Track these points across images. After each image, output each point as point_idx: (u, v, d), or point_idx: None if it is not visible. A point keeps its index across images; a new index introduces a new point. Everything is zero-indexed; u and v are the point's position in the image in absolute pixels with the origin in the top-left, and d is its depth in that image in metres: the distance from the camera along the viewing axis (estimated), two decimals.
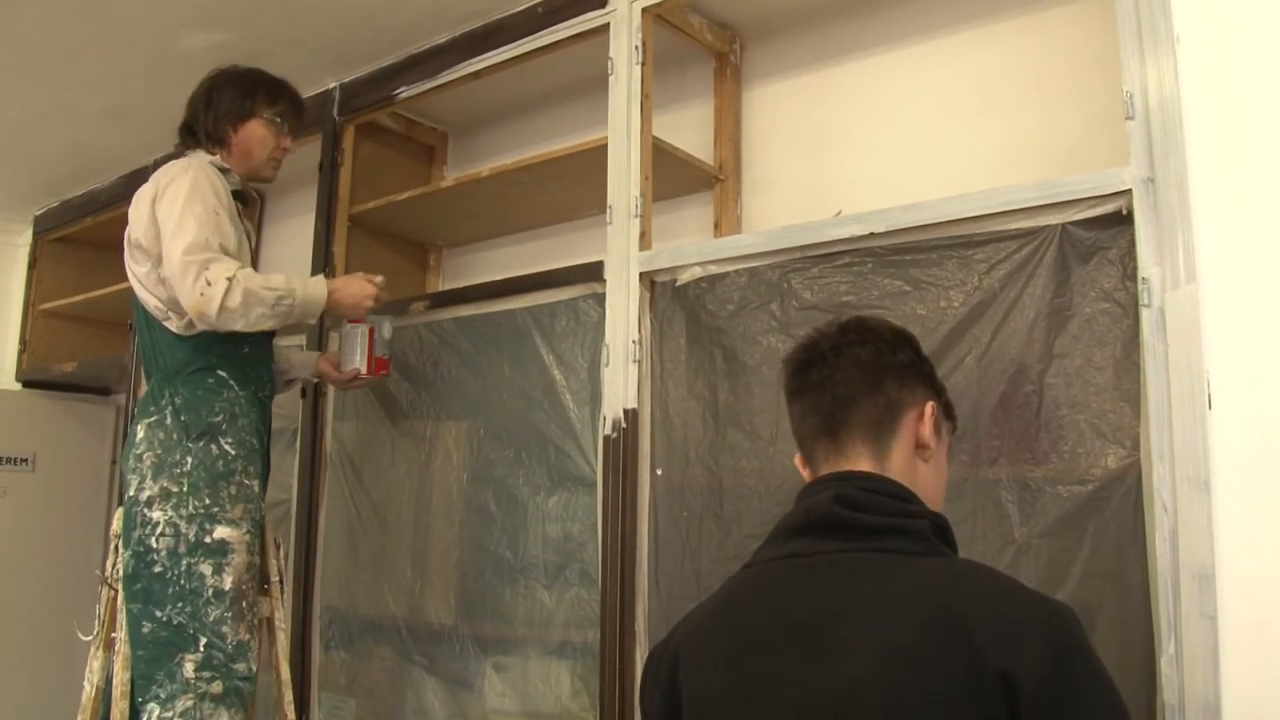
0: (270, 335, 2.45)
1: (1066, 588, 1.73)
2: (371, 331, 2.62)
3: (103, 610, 2.27)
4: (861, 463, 1.33)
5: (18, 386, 4.46)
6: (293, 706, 2.37)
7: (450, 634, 2.67)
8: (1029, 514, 1.79)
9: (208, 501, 2.19)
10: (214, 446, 2.24)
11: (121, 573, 2.18)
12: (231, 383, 2.32)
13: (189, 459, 2.20)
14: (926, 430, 1.35)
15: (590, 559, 2.39)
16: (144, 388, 2.39)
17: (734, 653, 1.25)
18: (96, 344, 4.37)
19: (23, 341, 4.47)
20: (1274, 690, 1.46)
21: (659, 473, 2.29)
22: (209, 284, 2.15)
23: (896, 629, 1.12)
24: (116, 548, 2.25)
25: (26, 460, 4.26)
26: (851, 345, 1.38)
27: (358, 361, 2.61)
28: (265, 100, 2.45)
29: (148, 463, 2.19)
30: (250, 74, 2.47)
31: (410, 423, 2.89)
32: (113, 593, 2.24)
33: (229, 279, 2.15)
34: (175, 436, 2.21)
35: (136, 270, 2.32)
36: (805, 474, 1.42)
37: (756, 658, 1.23)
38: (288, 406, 3.15)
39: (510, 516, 2.59)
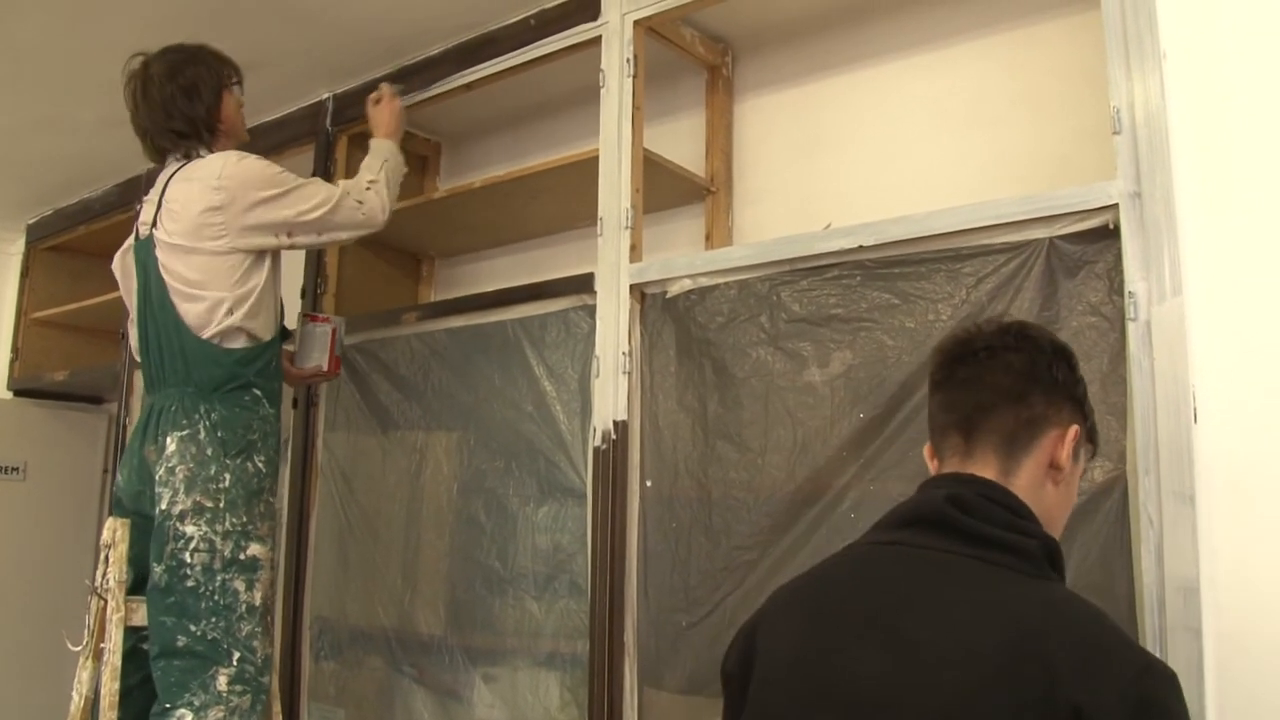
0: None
1: None
2: (335, 332, 2.68)
3: (92, 621, 2.27)
4: (988, 470, 1.29)
5: (9, 395, 4.45)
6: (282, 717, 2.37)
7: (440, 644, 2.67)
8: None
9: (244, 519, 2.20)
10: (249, 464, 2.24)
11: (149, 584, 2.17)
12: (264, 400, 2.33)
13: (227, 475, 2.19)
14: (1064, 453, 1.30)
15: (580, 570, 2.39)
16: (145, 396, 2.38)
17: (811, 623, 1.25)
18: (89, 353, 4.36)
19: (14, 350, 4.45)
20: (1258, 703, 1.47)
21: (648, 484, 2.30)
22: (359, 203, 2.45)
23: (979, 639, 1.10)
24: (107, 558, 2.25)
25: (17, 469, 4.25)
26: (1008, 350, 1.32)
27: (320, 360, 2.68)
28: (222, 67, 2.46)
29: (180, 476, 2.17)
30: (188, 52, 2.43)
31: (401, 433, 2.89)
32: (102, 603, 2.23)
33: (364, 188, 2.48)
34: (210, 452, 2.19)
35: (176, 272, 2.28)
36: (932, 466, 1.37)
37: (831, 632, 1.22)
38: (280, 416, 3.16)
39: (500, 527, 2.59)
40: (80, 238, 4.28)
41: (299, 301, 3.14)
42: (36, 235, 4.49)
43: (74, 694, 2.26)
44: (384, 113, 2.75)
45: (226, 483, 2.19)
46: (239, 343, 2.28)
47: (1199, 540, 1.53)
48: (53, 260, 4.50)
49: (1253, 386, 1.53)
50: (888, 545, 1.27)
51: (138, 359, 2.47)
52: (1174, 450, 1.57)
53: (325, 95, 3.24)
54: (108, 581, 2.22)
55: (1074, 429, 1.30)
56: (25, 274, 4.52)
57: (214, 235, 2.26)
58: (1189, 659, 1.51)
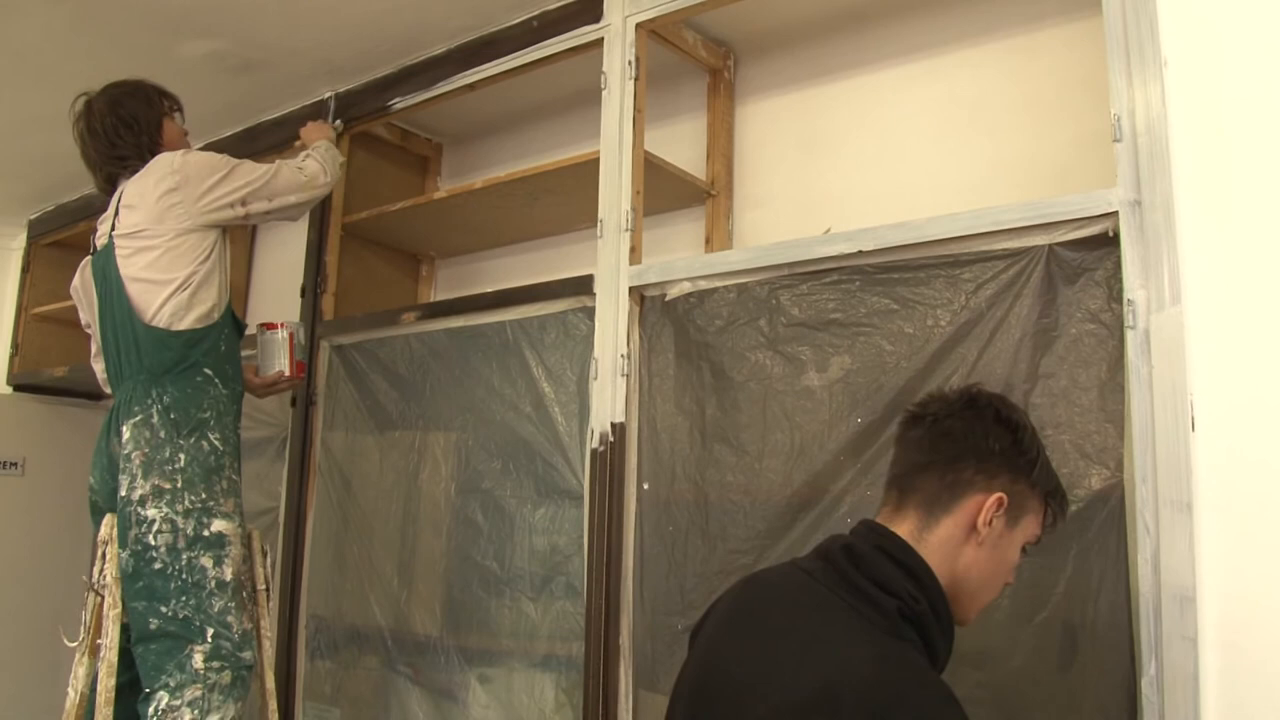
0: (240, 335, 2.55)
1: (1049, 607, 1.74)
2: (291, 336, 2.72)
3: (89, 616, 2.27)
4: (905, 525, 1.42)
5: (9, 390, 4.45)
6: (277, 715, 2.37)
7: (435, 645, 2.67)
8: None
9: (204, 496, 2.24)
10: (204, 442, 2.29)
11: (119, 572, 2.19)
12: (216, 380, 2.38)
13: (181, 455, 2.24)
14: (981, 517, 1.39)
15: (576, 572, 2.39)
16: (113, 391, 2.45)
17: (728, 620, 1.44)
18: (88, 349, 4.33)
19: (14, 345, 4.46)
20: (1254, 713, 1.47)
21: (645, 487, 2.30)
22: (299, 168, 2.61)
23: (806, 676, 1.24)
24: (104, 554, 2.25)
25: (16, 464, 4.26)
26: (951, 417, 1.45)
27: (281, 364, 2.73)
28: (161, 99, 2.60)
29: (136, 461, 2.21)
30: (129, 88, 2.57)
31: (399, 433, 2.89)
32: (99, 599, 2.24)
33: (303, 158, 2.66)
34: (164, 434, 2.24)
35: (132, 261, 2.37)
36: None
37: (732, 632, 1.41)
38: (277, 415, 3.16)
39: (497, 528, 2.59)
40: (81, 233, 4.26)
41: (299, 301, 3.14)
42: (38, 231, 4.50)
43: (70, 689, 2.26)
44: (311, 129, 2.98)
45: (182, 463, 2.24)
46: (186, 324, 2.35)
47: (1196, 549, 1.52)
48: (54, 256, 4.51)
49: (1251, 395, 1.53)
50: (803, 570, 1.42)
51: (94, 365, 2.53)
52: (1172, 458, 1.57)
53: (327, 94, 3.24)
54: (104, 577, 2.22)
55: (997, 496, 1.40)
56: (26, 269, 4.52)
57: (175, 216, 2.37)
58: (1185, 667, 1.51)
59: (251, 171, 2.50)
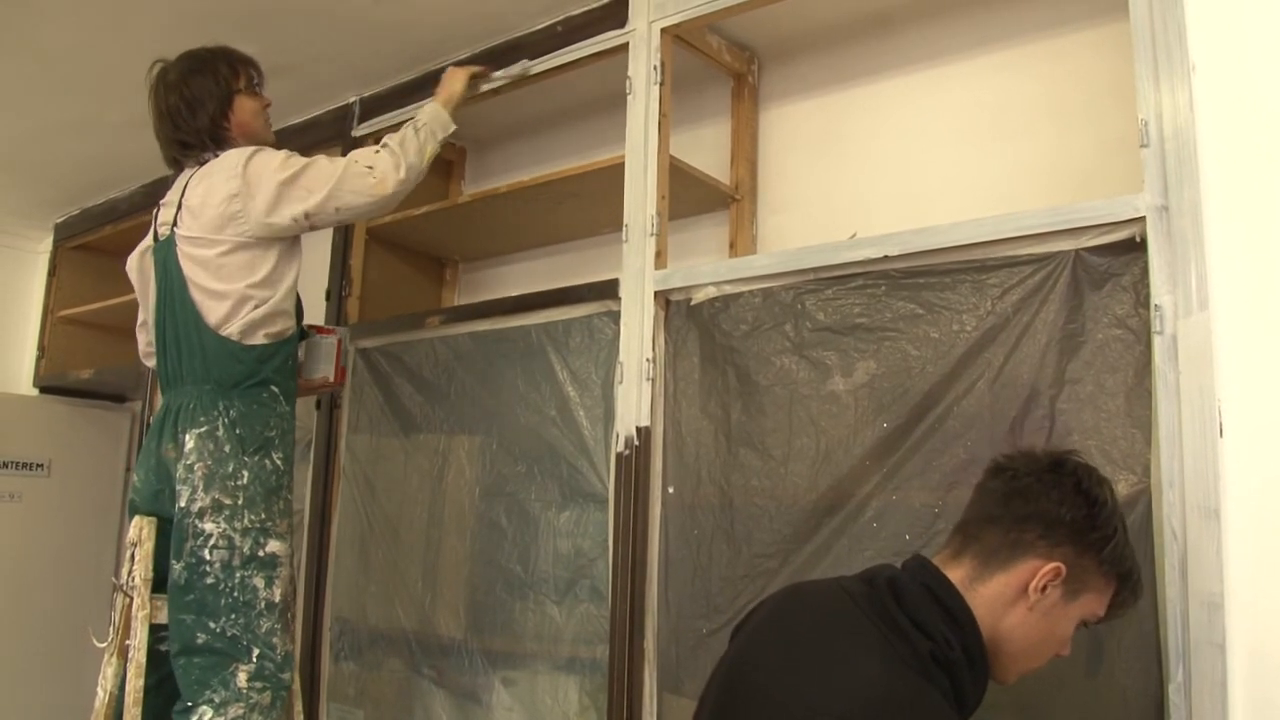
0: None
1: None
2: (339, 343, 2.70)
3: (117, 617, 2.28)
4: (959, 571, 1.43)
5: (35, 392, 4.49)
6: (302, 717, 2.38)
7: (459, 647, 2.68)
8: None
9: (262, 515, 2.21)
10: (267, 461, 2.25)
11: (170, 582, 2.19)
12: (281, 398, 2.34)
13: (245, 472, 2.21)
14: (1035, 582, 1.40)
15: (600, 575, 2.40)
16: (161, 394, 2.39)
17: (767, 625, 1.46)
18: (114, 351, 4.40)
19: (41, 348, 4.51)
20: None
21: (670, 490, 2.30)
22: (370, 168, 2.37)
23: (816, 695, 1.27)
24: (132, 555, 2.27)
25: (42, 466, 4.29)
26: (1032, 478, 1.45)
27: (326, 370, 2.69)
28: (233, 74, 2.43)
29: (199, 474, 2.18)
30: (200, 60, 2.43)
31: (423, 436, 2.90)
32: (127, 600, 2.25)
33: (374, 152, 2.41)
34: (228, 449, 2.21)
35: (198, 267, 2.29)
36: None
37: (767, 639, 1.44)
38: (302, 418, 3.17)
39: (521, 531, 2.60)
40: (106, 237, 4.32)
41: (324, 304, 3.16)
42: (64, 235, 4.54)
43: (99, 689, 2.27)
44: (446, 78, 2.72)
45: (245, 480, 2.21)
46: (258, 339, 2.29)
47: (1224, 555, 1.52)
48: (79, 259, 4.55)
49: None
50: (846, 591, 1.43)
51: (145, 361, 2.50)
52: (1199, 464, 1.56)
53: (352, 99, 3.26)
54: (133, 579, 2.23)
55: (1055, 565, 1.40)
56: (52, 273, 4.57)
57: (237, 225, 2.27)
58: (1213, 674, 1.50)
59: (317, 177, 2.32)
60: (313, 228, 2.37)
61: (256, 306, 2.29)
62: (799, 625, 1.42)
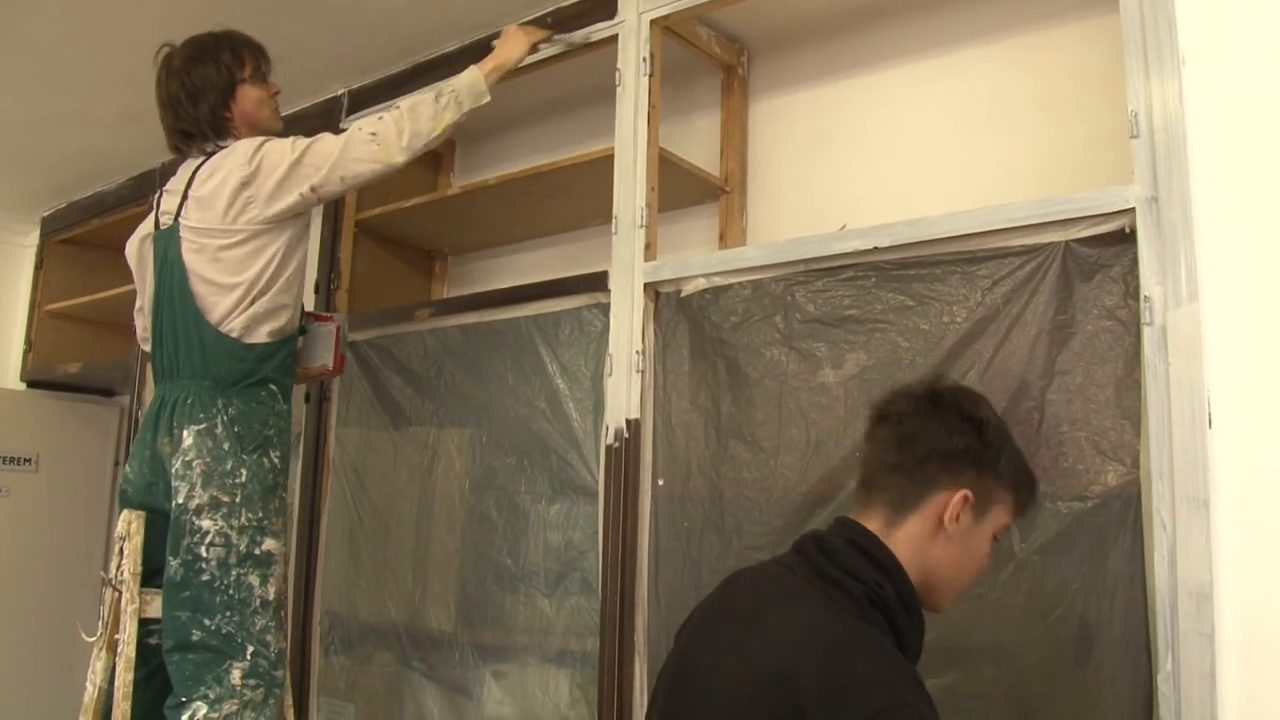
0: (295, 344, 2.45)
1: (1065, 603, 1.74)
2: (339, 329, 2.65)
3: (106, 611, 2.27)
4: (875, 521, 1.46)
5: (22, 387, 4.47)
6: (292, 710, 2.37)
7: (450, 641, 2.67)
8: (1028, 530, 1.79)
9: (259, 514, 2.20)
10: (265, 459, 2.24)
11: (167, 579, 2.17)
12: (279, 395, 2.33)
13: (243, 470, 2.19)
14: (948, 514, 1.44)
15: (591, 568, 2.40)
16: (155, 384, 2.36)
17: (704, 614, 1.50)
18: (101, 345, 4.38)
19: (28, 342, 4.48)
20: (1271, 709, 1.47)
21: (660, 483, 2.30)
22: (372, 135, 2.28)
23: (762, 655, 1.30)
24: (121, 549, 2.25)
25: (30, 460, 4.27)
26: (917, 415, 1.49)
27: (325, 358, 2.64)
28: (237, 62, 2.38)
29: (197, 470, 2.17)
30: (204, 46, 2.38)
31: (413, 429, 2.90)
32: (117, 594, 2.24)
33: (378, 118, 2.30)
34: (227, 447, 2.19)
35: (200, 259, 2.26)
36: None
37: (705, 624, 1.48)
38: (292, 410, 3.17)
39: (511, 524, 2.60)
40: (94, 231, 4.30)
41: (313, 296, 3.15)
42: (51, 228, 4.51)
43: (88, 684, 2.27)
44: (504, 39, 2.54)
45: (243, 478, 2.19)
46: (261, 337, 2.27)
47: (1213, 545, 1.53)
48: (67, 253, 4.52)
49: (1269, 392, 1.53)
50: (780, 564, 1.47)
51: (143, 346, 2.47)
52: (1188, 455, 1.57)
53: (340, 91, 3.25)
54: (122, 573, 2.22)
55: (962, 494, 1.44)
56: (39, 266, 4.54)
57: (249, 215, 2.25)
58: (1202, 664, 1.51)
59: (322, 152, 2.27)
60: (320, 200, 2.34)
61: (259, 298, 2.26)
62: (739, 603, 1.46)
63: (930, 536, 1.44)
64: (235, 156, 2.28)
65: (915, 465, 1.46)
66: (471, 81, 2.41)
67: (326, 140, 2.31)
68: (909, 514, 1.45)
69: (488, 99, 2.44)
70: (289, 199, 2.27)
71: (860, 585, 1.37)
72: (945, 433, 1.46)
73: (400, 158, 2.30)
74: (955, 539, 1.45)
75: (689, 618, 1.54)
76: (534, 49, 2.56)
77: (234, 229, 2.25)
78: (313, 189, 2.28)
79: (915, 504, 1.45)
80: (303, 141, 2.30)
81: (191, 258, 2.27)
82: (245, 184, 2.24)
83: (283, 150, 2.28)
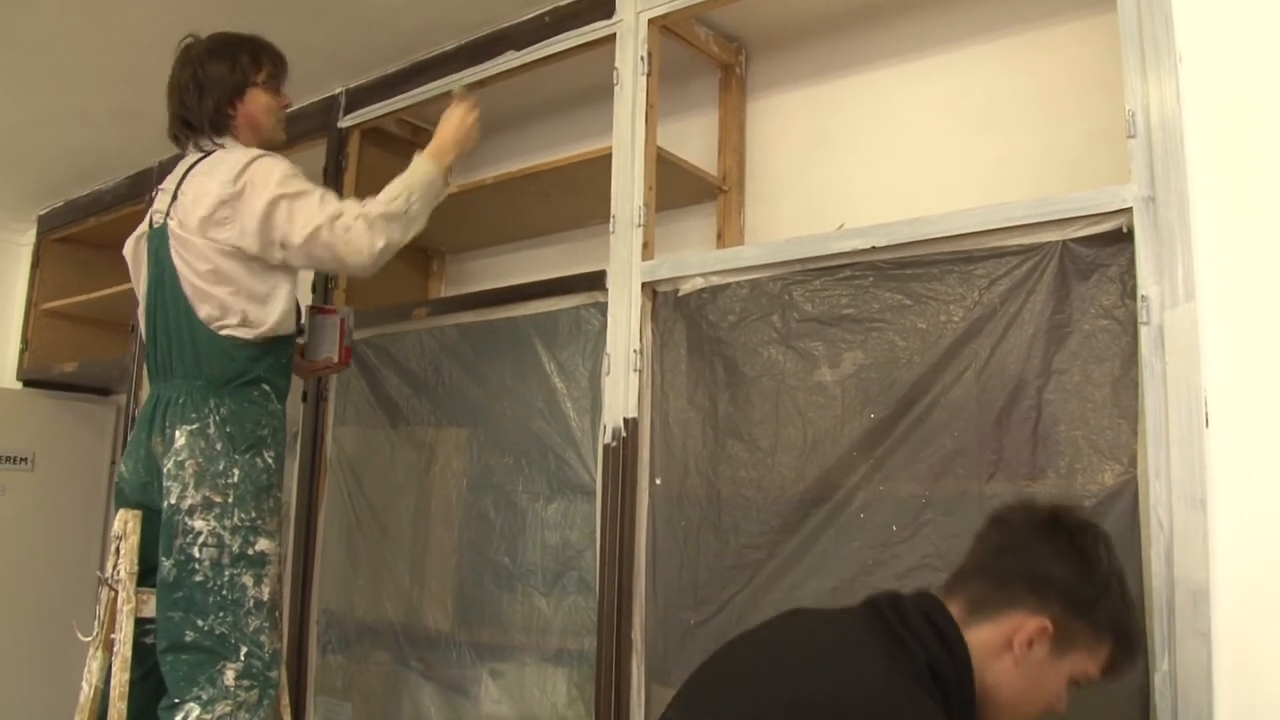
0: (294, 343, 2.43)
1: None
2: (343, 322, 2.65)
3: (102, 611, 2.27)
4: (953, 608, 1.41)
5: (18, 386, 4.46)
6: (289, 710, 2.37)
7: (447, 640, 2.67)
8: None
9: (253, 514, 2.19)
10: (259, 459, 2.23)
11: (160, 579, 2.17)
12: (273, 395, 2.31)
13: (236, 470, 2.18)
14: (1019, 637, 1.37)
15: (588, 567, 2.40)
16: (148, 387, 2.35)
17: (744, 634, 1.49)
18: (98, 344, 4.38)
19: (24, 341, 4.47)
20: (1267, 707, 1.47)
21: (658, 482, 2.30)
22: (346, 230, 2.18)
23: (810, 677, 1.29)
24: (118, 549, 2.25)
25: (26, 459, 4.26)
26: (1025, 529, 1.44)
27: (330, 351, 2.63)
28: (253, 65, 2.36)
29: (189, 470, 2.16)
30: (224, 43, 2.37)
31: (411, 428, 2.89)
32: (112, 593, 2.24)
33: (355, 216, 2.20)
34: (219, 447, 2.18)
35: (189, 262, 2.23)
36: None
37: (744, 640, 1.47)
38: (288, 410, 3.16)
39: (509, 523, 2.60)
40: (91, 229, 4.29)
41: (310, 295, 3.15)
42: (47, 226, 4.51)
43: (84, 684, 2.26)
44: (445, 123, 2.46)
45: (235, 478, 2.18)
46: (252, 337, 2.25)
47: (1210, 544, 1.53)
48: (63, 251, 4.51)
49: (1266, 391, 1.53)
50: (845, 611, 1.45)
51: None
52: (1186, 454, 1.57)
53: (338, 90, 3.25)
54: (118, 572, 2.22)
55: (1040, 623, 1.37)
56: (36, 265, 4.53)
57: (225, 232, 2.21)
58: (1198, 662, 1.51)
59: (307, 211, 2.20)
60: (285, 263, 2.27)
61: (246, 307, 2.24)
62: (795, 630, 1.43)
63: (996, 654, 1.38)
64: (225, 167, 2.25)
65: (1004, 577, 1.41)
66: (428, 180, 2.35)
67: (314, 202, 2.22)
68: (983, 621, 1.39)
69: (450, 189, 2.44)
70: (261, 247, 2.22)
71: (925, 653, 1.33)
72: (1046, 556, 1.40)
73: (364, 260, 2.23)
74: (1023, 666, 1.38)
75: (734, 638, 1.51)
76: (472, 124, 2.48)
77: (213, 240, 2.22)
78: (283, 248, 2.22)
79: (991, 614, 1.39)
80: (297, 183, 2.23)
81: (180, 261, 2.25)
82: (225, 202, 2.20)
83: (273, 178, 2.21)
